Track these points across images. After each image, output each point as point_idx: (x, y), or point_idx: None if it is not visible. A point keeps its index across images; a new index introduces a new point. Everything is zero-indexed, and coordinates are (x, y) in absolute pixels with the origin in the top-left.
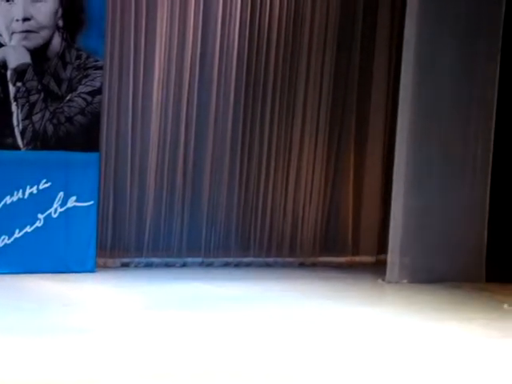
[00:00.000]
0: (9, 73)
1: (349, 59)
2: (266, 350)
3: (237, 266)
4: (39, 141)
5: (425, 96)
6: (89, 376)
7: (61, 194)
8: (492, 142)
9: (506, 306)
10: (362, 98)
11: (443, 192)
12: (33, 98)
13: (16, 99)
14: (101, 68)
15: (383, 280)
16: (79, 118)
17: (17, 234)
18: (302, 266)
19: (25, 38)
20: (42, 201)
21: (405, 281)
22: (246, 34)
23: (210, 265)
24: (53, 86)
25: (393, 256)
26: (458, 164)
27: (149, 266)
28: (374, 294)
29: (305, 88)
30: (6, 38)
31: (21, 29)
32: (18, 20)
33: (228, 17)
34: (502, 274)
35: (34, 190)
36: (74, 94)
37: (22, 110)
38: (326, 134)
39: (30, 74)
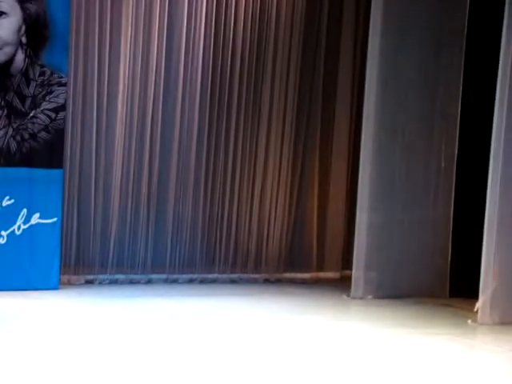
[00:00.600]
0: None
1: (313, 73)
2: (230, 364)
3: (202, 282)
4: (2, 157)
5: (388, 111)
6: None
7: (24, 210)
8: (455, 157)
9: (469, 321)
10: (327, 114)
11: (407, 207)
12: None
13: None
14: (65, 84)
15: (348, 296)
16: (43, 134)
17: None
18: (266, 282)
19: None
20: (5, 217)
21: (370, 296)
22: (211, 46)
23: (174, 281)
24: (16, 102)
25: (357, 272)
26: (422, 179)
27: (113, 282)
28: (338, 310)
29: (269, 103)
30: None
31: None
32: None
33: (192, 30)
34: (466, 289)
35: None
36: (38, 110)
37: None
38: (290, 150)
39: None
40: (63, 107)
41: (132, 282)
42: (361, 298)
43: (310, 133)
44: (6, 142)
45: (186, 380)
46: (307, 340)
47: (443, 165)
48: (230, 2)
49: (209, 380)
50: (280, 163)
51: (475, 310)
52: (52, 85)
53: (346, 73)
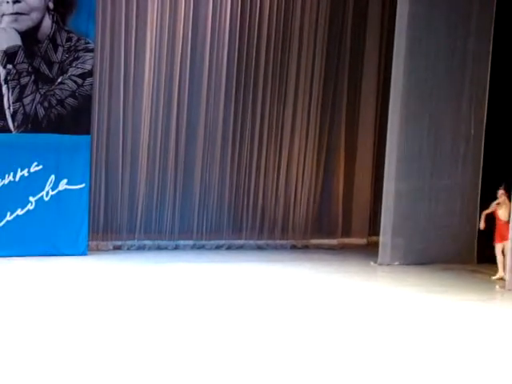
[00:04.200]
0: None
1: (339, 46)
2: (260, 327)
3: (228, 248)
4: (30, 123)
5: (416, 77)
6: (85, 354)
7: (52, 176)
8: (484, 125)
9: (497, 287)
10: (353, 83)
11: (434, 174)
12: (23, 80)
13: (6, 82)
14: (92, 50)
15: (375, 262)
16: (70, 100)
17: (8, 217)
18: (293, 248)
19: (15, 21)
20: (34, 184)
21: (397, 263)
22: (238, 17)
23: (201, 247)
24: (43, 68)
25: (384, 238)
26: (450, 146)
27: (141, 248)
28: (366, 275)
29: (296, 71)
30: None
31: (11, 11)
32: (8, 2)
33: (219, 1)
34: (494, 255)
35: (26, 172)
36: (65, 76)
37: (12, 93)
38: (317, 118)
39: (20, 57)
40: (90, 73)
41: (159, 248)
42: (388, 265)
43: (336, 101)
44: (33, 108)
45: (213, 343)
46: (334, 304)
47: (472, 132)
48: None
49: (239, 340)
50: (307, 132)
51: (495, 278)
52: (79, 51)
53: (373, 41)
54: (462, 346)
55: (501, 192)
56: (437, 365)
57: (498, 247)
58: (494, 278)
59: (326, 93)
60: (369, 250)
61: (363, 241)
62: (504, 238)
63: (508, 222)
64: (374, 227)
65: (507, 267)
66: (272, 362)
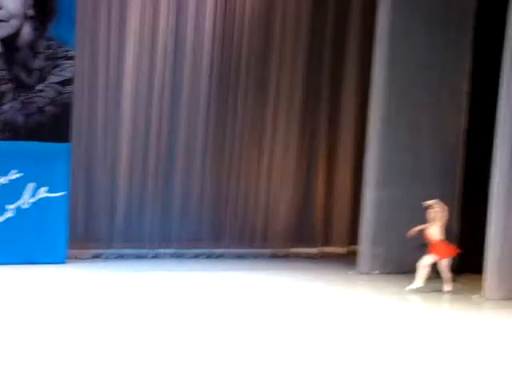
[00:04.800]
0: None
1: (320, 50)
2: (241, 335)
3: (208, 257)
4: (9, 131)
5: (396, 87)
6: (64, 363)
7: (31, 184)
8: (463, 132)
9: (474, 296)
10: (334, 90)
11: (414, 183)
12: (2, 87)
13: None
14: (72, 58)
15: (354, 271)
16: (50, 108)
17: None
18: (273, 257)
19: None
20: (13, 191)
21: (376, 271)
22: (219, 23)
23: (181, 256)
24: (23, 76)
25: (364, 247)
26: (430, 156)
27: (120, 257)
28: (345, 284)
29: (277, 74)
30: None
31: None
32: None
33: (201, 4)
34: (472, 264)
35: (4, 180)
36: (45, 84)
37: None
38: (298, 126)
39: None
40: (70, 81)
41: (139, 257)
42: (367, 273)
43: (317, 110)
44: (12, 116)
45: (189, 351)
46: (315, 312)
47: (452, 141)
48: None
49: (220, 350)
50: (287, 140)
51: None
52: (59, 58)
53: (354, 49)
54: (442, 355)
55: (431, 209)
56: (417, 373)
57: (430, 260)
58: (408, 288)
59: (306, 102)
60: (349, 259)
61: (343, 250)
62: (447, 254)
63: (442, 239)
64: (353, 236)
65: (487, 274)
66: (255, 371)
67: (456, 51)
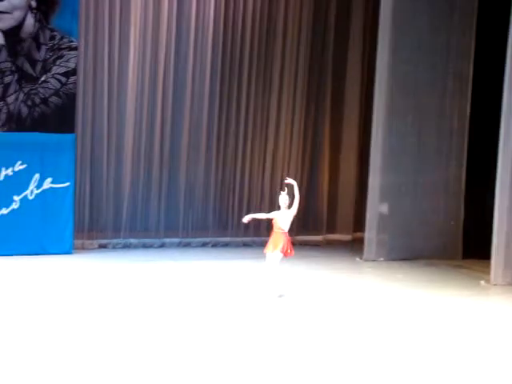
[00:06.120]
0: None
1: (323, 38)
2: (249, 324)
3: (214, 245)
4: (14, 122)
5: (400, 72)
6: (71, 353)
7: (37, 175)
8: (468, 118)
9: (482, 282)
10: (338, 78)
11: (419, 169)
12: (7, 79)
13: None
14: (75, 49)
15: (360, 258)
16: (54, 99)
17: None
18: None
19: None
20: (18, 182)
21: (382, 258)
22: (222, 12)
23: (187, 245)
24: (27, 67)
25: (370, 234)
26: (434, 141)
27: (127, 246)
28: (351, 271)
29: (281, 66)
30: None
31: None
32: None
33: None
34: (479, 250)
35: (10, 171)
36: (49, 75)
37: None
38: (302, 115)
39: (3, 55)
40: (74, 71)
41: (145, 246)
42: (373, 260)
43: (320, 97)
44: (17, 107)
45: (195, 340)
46: (321, 300)
47: (456, 126)
48: None
49: (228, 338)
50: (291, 127)
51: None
52: (62, 49)
53: (357, 36)
54: (449, 342)
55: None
56: (424, 360)
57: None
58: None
59: (310, 90)
60: (354, 246)
61: (348, 237)
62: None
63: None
64: (358, 223)
65: (493, 259)
66: (264, 360)
67: (460, 36)
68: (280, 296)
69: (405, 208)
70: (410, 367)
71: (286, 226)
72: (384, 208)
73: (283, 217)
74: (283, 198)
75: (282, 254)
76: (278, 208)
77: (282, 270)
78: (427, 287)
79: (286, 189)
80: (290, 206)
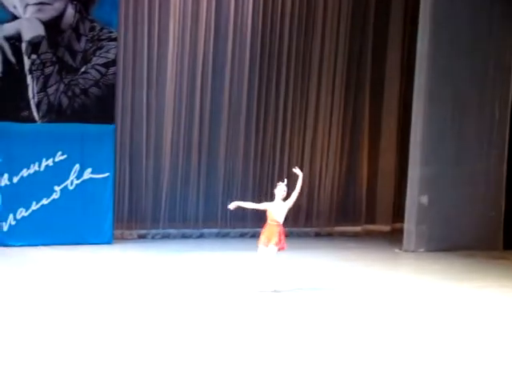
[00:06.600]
0: (23, 45)
1: (363, 30)
2: (284, 314)
3: (253, 236)
4: (54, 113)
5: (440, 61)
6: (108, 341)
7: (77, 166)
8: (510, 106)
9: None
10: (377, 67)
11: (459, 160)
12: (47, 70)
13: (31, 72)
14: (115, 39)
15: (400, 249)
16: (94, 89)
17: (34, 207)
18: (317, 235)
19: (38, 11)
20: (58, 173)
21: (421, 249)
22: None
23: (226, 235)
24: (67, 58)
25: (409, 225)
26: (475, 130)
27: (166, 237)
28: (391, 262)
29: (320, 50)
30: (20, 11)
31: (34, 1)
32: None
33: None
34: None
35: (50, 162)
36: (89, 65)
37: (36, 83)
38: (341, 104)
39: (44, 47)
40: (114, 62)
41: (184, 237)
42: (412, 251)
43: (360, 87)
44: (57, 98)
45: (238, 331)
46: (359, 291)
47: (497, 115)
48: None
49: (265, 329)
50: (330, 117)
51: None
52: (102, 40)
53: (397, 28)
54: (489, 335)
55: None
56: (456, 353)
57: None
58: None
59: (349, 79)
60: (393, 237)
61: (387, 227)
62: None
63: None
64: (398, 214)
65: None
66: (299, 349)
67: (501, 25)
68: (275, 291)
69: (445, 198)
70: (441, 360)
71: (281, 218)
72: (424, 199)
73: (278, 208)
74: (282, 188)
75: (276, 248)
76: (272, 199)
77: (277, 264)
78: (465, 279)
79: (285, 180)
80: (285, 198)
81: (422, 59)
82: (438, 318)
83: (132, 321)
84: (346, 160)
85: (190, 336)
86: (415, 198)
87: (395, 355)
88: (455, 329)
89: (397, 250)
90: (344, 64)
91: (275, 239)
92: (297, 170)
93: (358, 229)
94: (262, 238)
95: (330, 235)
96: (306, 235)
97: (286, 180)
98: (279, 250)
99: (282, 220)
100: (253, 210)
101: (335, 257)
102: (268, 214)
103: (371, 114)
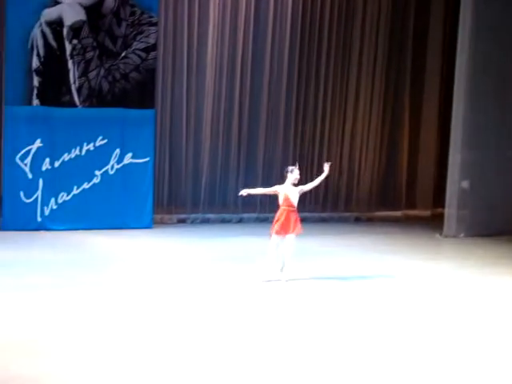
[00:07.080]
0: (65, 30)
1: (404, 13)
2: (324, 300)
3: None
4: (95, 98)
5: (482, 44)
6: (150, 322)
7: (117, 150)
8: None
9: None
10: (418, 56)
11: (501, 144)
12: (88, 55)
13: (72, 57)
14: (155, 24)
15: (440, 234)
16: (134, 74)
17: (75, 191)
18: (357, 220)
19: None
20: (99, 157)
21: (462, 235)
22: None
23: (265, 220)
24: (108, 42)
25: (450, 210)
26: None
27: (205, 221)
28: (431, 248)
29: (360, 41)
30: None
31: None
32: None
33: None
34: None
35: (91, 146)
36: (129, 50)
37: (77, 68)
38: (381, 90)
39: (85, 32)
40: (154, 47)
41: (223, 221)
42: (453, 237)
43: (400, 72)
44: (98, 83)
45: (272, 316)
46: (401, 278)
47: None
48: None
49: (299, 315)
50: (371, 103)
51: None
52: (143, 24)
53: (438, 16)
54: None
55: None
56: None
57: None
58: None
59: (389, 65)
60: (434, 222)
61: (428, 213)
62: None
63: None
64: (438, 199)
65: None
66: (340, 334)
67: None
68: (287, 281)
69: (486, 183)
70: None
71: (296, 203)
72: (465, 184)
73: (293, 193)
74: (296, 173)
75: (294, 235)
76: (282, 182)
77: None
78: (507, 264)
79: (297, 164)
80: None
81: (463, 45)
82: (472, 302)
83: (165, 305)
84: (385, 146)
85: (208, 322)
86: (456, 183)
87: (434, 340)
88: (487, 315)
89: (437, 235)
90: (384, 54)
91: (298, 228)
92: (326, 167)
93: (398, 214)
94: (277, 227)
95: (370, 220)
96: (345, 220)
97: (297, 164)
98: (297, 233)
99: (296, 204)
100: (264, 195)
101: (375, 242)
102: (284, 198)
103: (412, 100)
